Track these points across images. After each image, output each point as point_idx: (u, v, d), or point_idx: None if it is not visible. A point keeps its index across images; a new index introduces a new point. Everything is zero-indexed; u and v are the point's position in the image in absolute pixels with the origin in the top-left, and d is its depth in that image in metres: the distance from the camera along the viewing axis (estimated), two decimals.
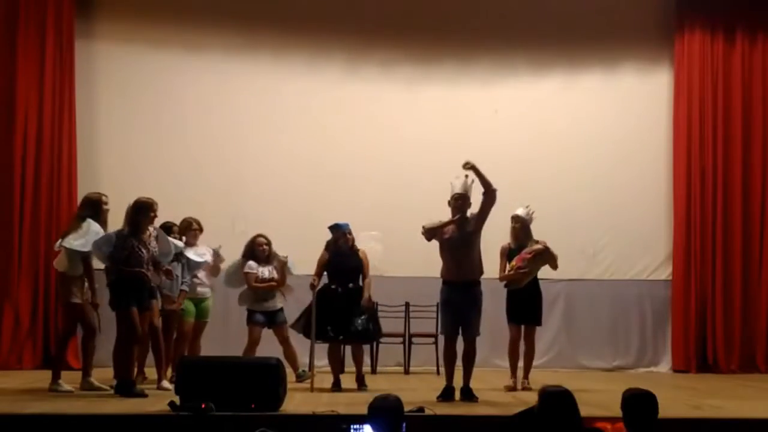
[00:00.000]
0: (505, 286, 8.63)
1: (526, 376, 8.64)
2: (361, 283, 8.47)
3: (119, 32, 10.88)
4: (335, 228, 8.54)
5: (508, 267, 8.61)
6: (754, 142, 11.17)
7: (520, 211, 8.74)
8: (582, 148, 11.20)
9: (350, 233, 8.57)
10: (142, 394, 7.36)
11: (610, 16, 11.27)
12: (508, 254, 8.68)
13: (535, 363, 10.49)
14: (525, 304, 8.60)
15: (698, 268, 10.97)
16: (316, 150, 10.95)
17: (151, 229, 7.79)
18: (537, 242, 8.63)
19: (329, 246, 8.52)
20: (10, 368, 9.80)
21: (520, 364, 8.67)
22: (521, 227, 8.69)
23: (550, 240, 8.95)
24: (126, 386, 7.45)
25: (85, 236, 7.73)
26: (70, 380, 7.97)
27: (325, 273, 8.53)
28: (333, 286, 8.39)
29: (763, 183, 11.13)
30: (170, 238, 8.19)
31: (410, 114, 11.14)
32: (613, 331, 11.10)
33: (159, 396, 7.29)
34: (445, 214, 8.09)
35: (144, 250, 7.58)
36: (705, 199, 11.05)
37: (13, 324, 10.12)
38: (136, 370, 8.23)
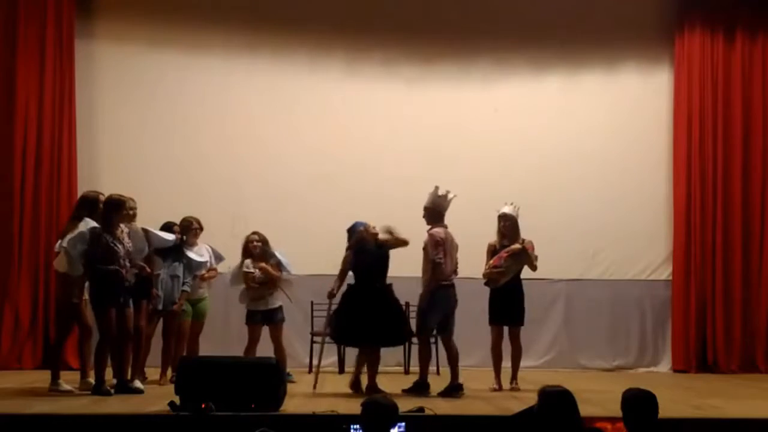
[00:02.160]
0: (485, 284, 8.64)
1: (514, 377, 8.61)
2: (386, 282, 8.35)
3: (119, 32, 10.87)
4: (356, 227, 8.39)
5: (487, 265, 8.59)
6: (754, 142, 11.16)
7: (507, 209, 8.69)
8: (582, 148, 11.19)
9: (372, 228, 8.39)
10: (108, 393, 7.43)
11: (610, 16, 11.26)
12: (493, 253, 8.65)
13: (535, 363, 10.56)
14: (506, 305, 8.58)
15: (698, 268, 10.96)
16: (315, 149, 10.95)
17: (122, 226, 7.77)
18: (524, 241, 8.60)
19: (353, 246, 8.33)
20: (10, 368, 9.79)
21: (506, 364, 8.67)
22: (511, 225, 8.64)
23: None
24: (96, 385, 7.54)
25: (81, 237, 7.72)
26: (69, 380, 7.98)
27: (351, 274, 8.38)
28: (361, 287, 8.24)
29: (763, 183, 11.12)
30: (159, 232, 8.17)
31: (410, 113, 11.13)
32: (613, 331, 11.09)
33: (159, 396, 7.29)
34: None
35: (119, 246, 7.57)
36: (705, 199, 11.03)
37: (13, 324, 10.11)
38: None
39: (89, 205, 7.96)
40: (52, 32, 10.47)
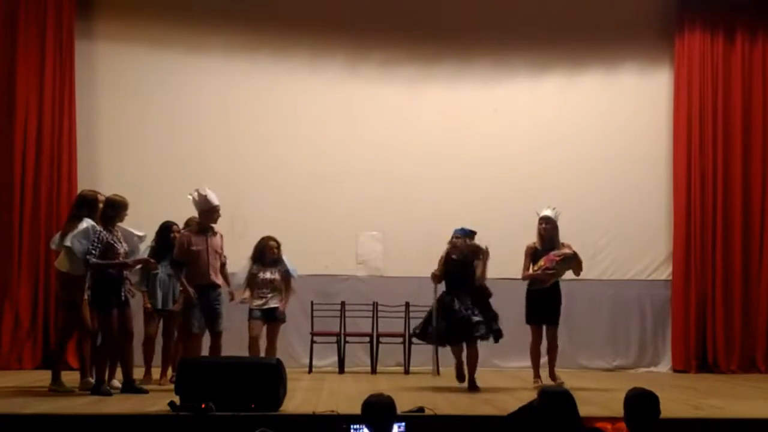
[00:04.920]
0: (529, 285, 8.76)
1: (552, 373, 8.77)
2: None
3: (119, 32, 10.87)
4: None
5: (533, 267, 8.70)
6: (754, 142, 11.16)
7: (549, 212, 8.83)
8: (582, 148, 11.20)
9: (456, 237, 8.58)
10: (108, 393, 7.44)
11: (610, 16, 11.26)
12: (533, 254, 8.77)
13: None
14: (546, 305, 8.73)
15: (698, 268, 10.96)
16: (316, 150, 10.95)
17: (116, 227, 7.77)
18: (563, 245, 8.75)
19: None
20: (10, 368, 9.79)
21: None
22: (552, 228, 8.78)
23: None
24: (96, 386, 7.54)
25: (82, 235, 7.71)
26: (69, 380, 7.98)
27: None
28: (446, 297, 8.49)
29: (763, 183, 11.12)
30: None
31: (410, 114, 11.13)
32: (613, 331, 11.09)
33: (159, 396, 7.30)
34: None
35: (119, 244, 7.58)
36: (705, 199, 11.03)
37: (13, 324, 10.11)
38: (143, 369, 8.28)
39: (88, 204, 7.94)
40: (53, 33, 10.47)
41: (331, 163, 10.92)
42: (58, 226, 9.74)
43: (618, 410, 4.84)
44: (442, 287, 8.52)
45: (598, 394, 7.86)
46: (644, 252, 11.23)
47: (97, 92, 10.82)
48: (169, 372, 8.53)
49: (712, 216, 11.02)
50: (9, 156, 10.31)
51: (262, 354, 8.66)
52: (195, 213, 8.70)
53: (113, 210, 7.65)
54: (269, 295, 8.85)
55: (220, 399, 6.39)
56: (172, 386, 7.12)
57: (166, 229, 8.50)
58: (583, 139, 11.22)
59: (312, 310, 10.15)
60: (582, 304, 11.07)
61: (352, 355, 10.30)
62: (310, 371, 10.00)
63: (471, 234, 8.60)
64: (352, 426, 5.29)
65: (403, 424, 5.32)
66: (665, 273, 11.19)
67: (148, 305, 8.45)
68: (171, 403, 6.48)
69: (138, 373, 8.26)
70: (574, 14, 11.23)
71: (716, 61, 11.17)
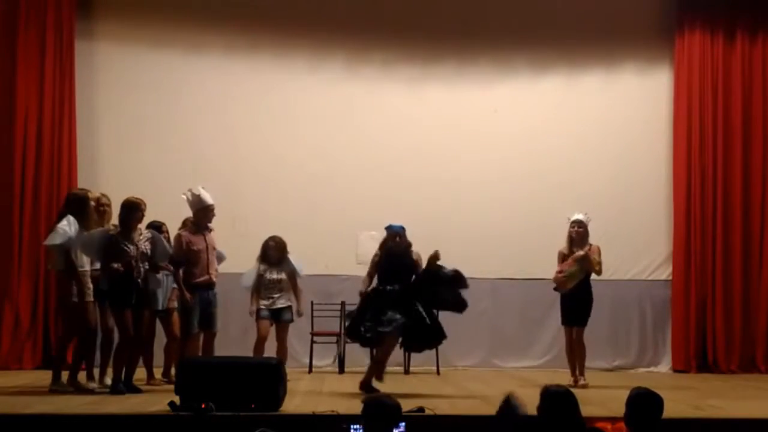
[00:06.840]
0: (554, 289, 9.02)
1: (581, 373, 8.92)
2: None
3: (119, 32, 10.86)
4: (387, 229, 8.47)
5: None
6: (754, 142, 11.15)
7: (581, 216, 8.99)
8: (581, 149, 11.19)
9: (403, 236, 8.38)
10: (122, 392, 7.47)
11: (610, 16, 11.26)
12: (563, 259, 8.96)
13: (535, 363, 10.62)
14: (573, 308, 8.93)
15: (698, 268, 10.95)
16: (316, 149, 10.95)
17: (144, 231, 7.77)
18: (590, 246, 8.89)
19: (383, 246, 8.42)
20: (10, 368, 9.79)
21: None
22: (582, 232, 8.95)
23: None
24: (113, 385, 7.57)
25: (55, 232, 7.74)
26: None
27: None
28: (388, 287, 8.19)
29: (763, 183, 11.11)
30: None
31: (410, 114, 11.13)
32: (613, 331, 11.08)
33: (159, 396, 7.30)
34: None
35: (130, 246, 7.58)
36: (705, 199, 11.03)
37: (13, 324, 10.11)
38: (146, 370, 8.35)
39: (75, 203, 7.92)
40: (53, 33, 10.45)
41: (331, 163, 10.92)
42: None
43: (618, 410, 4.83)
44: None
45: (598, 394, 7.85)
46: (644, 252, 11.23)
47: (97, 92, 10.81)
48: (171, 371, 8.53)
49: (712, 216, 11.02)
50: (9, 156, 10.30)
51: (272, 355, 8.64)
52: (190, 212, 8.75)
53: (123, 212, 7.68)
54: (276, 296, 8.90)
55: (220, 399, 6.40)
56: (172, 386, 7.12)
57: (155, 229, 8.44)
58: (583, 139, 11.21)
59: (312, 310, 10.13)
60: None
61: (352, 355, 10.28)
62: (310, 371, 10.00)
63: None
64: (352, 426, 5.29)
65: (403, 424, 5.31)
66: (665, 273, 11.19)
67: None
68: (171, 403, 6.49)
69: (140, 374, 8.27)
70: (574, 14, 11.22)
71: (716, 61, 11.16)
